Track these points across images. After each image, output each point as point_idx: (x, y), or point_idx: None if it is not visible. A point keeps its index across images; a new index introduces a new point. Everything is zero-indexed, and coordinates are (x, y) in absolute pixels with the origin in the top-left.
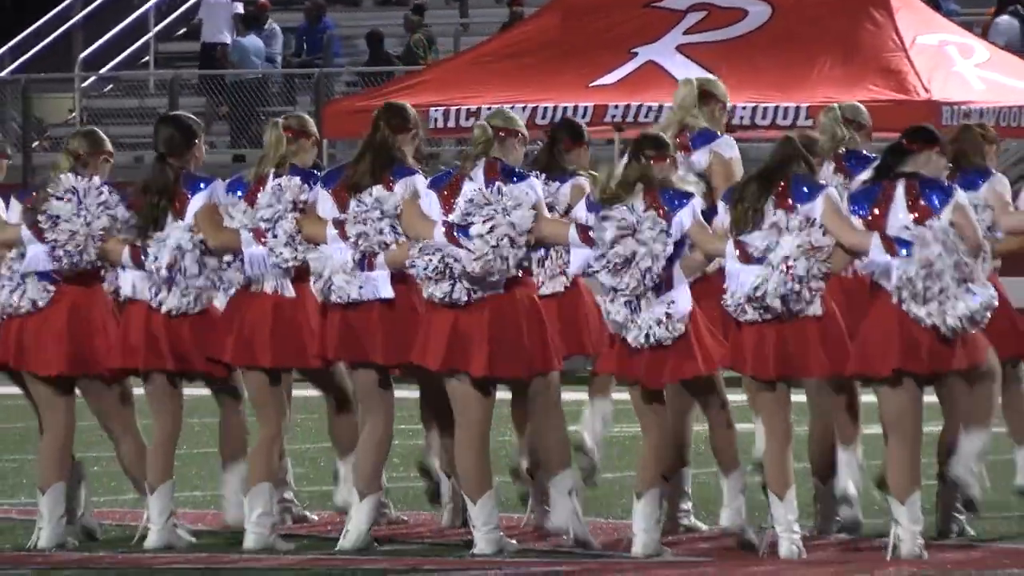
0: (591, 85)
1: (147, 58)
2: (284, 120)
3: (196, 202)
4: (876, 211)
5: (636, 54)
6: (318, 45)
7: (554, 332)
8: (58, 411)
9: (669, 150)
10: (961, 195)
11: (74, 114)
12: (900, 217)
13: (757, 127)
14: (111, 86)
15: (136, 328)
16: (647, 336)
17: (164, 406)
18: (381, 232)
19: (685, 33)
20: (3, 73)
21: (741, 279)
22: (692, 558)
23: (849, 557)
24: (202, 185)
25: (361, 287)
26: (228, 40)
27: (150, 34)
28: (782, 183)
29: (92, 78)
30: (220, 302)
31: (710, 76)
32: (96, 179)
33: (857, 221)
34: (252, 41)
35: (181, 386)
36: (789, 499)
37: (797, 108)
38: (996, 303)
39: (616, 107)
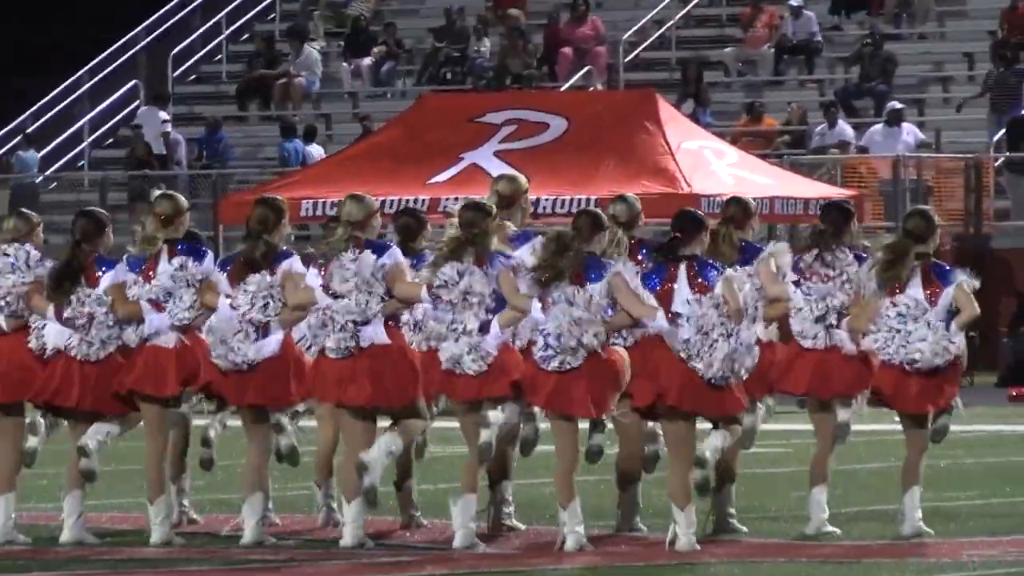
0: (428, 183)
1: (83, 162)
2: (159, 207)
3: (106, 280)
4: (665, 287)
5: (462, 159)
6: (215, 152)
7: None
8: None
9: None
10: (728, 272)
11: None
12: (683, 292)
13: (557, 214)
14: (54, 184)
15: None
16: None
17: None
18: (266, 307)
19: (501, 142)
20: None
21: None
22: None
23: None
24: (105, 268)
25: (256, 350)
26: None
27: (85, 143)
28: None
29: (40, 178)
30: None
31: (517, 175)
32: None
33: (648, 295)
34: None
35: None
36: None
37: (588, 199)
38: (753, 353)
39: (447, 199)
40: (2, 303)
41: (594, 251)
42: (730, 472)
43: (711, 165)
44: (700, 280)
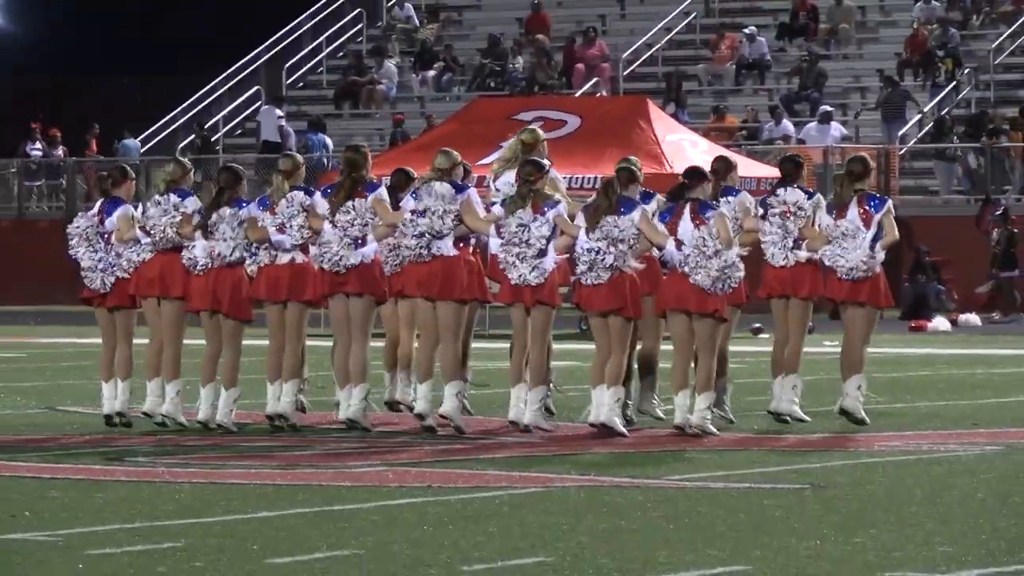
0: (477, 164)
1: (219, 147)
2: (282, 164)
3: (243, 213)
4: (673, 221)
5: (502, 146)
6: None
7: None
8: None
9: (544, 171)
10: (721, 209)
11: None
12: (686, 226)
13: (571, 189)
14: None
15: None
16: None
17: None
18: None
19: None
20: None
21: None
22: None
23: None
24: (245, 203)
25: (356, 256)
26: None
27: (220, 132)
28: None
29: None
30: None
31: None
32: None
33: (661, 226)
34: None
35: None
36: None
37: (596, 177)
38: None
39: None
40: (159, 236)
41: (630, 195)
42: (723, 367)
43: (687, 152)
44: (699, 215)
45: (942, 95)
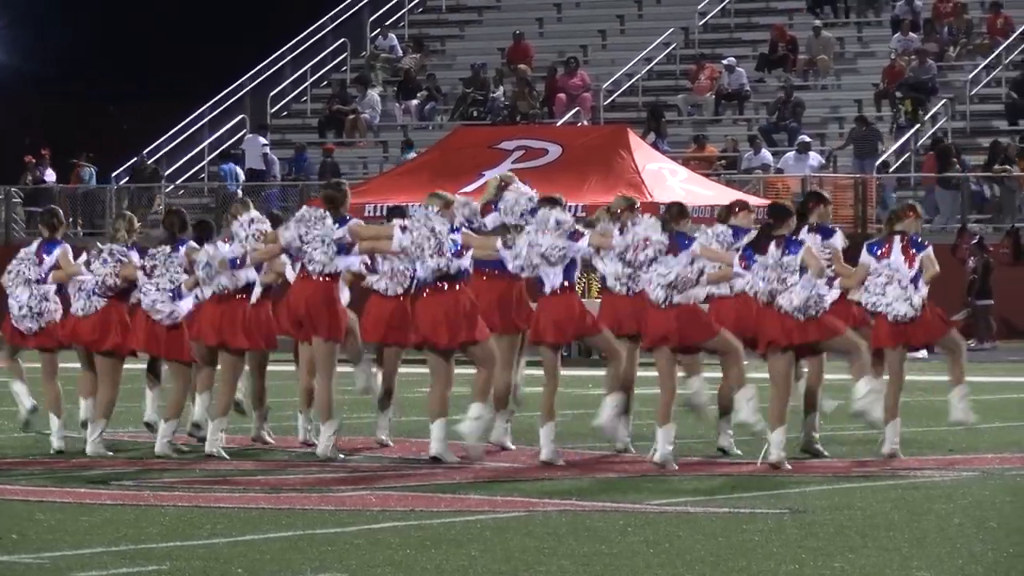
0: (461, 191)
1: (203, 175)
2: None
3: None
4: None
5: (483, 175)
6: (300, 168)
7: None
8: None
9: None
10: (807, 244)
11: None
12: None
13: None
14: (182, 191)
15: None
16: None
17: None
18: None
19: (512, 163)
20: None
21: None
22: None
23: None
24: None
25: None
26: (261, 166)
27: (205, 160)
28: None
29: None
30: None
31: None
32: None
33: (738, 259)
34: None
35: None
36: None
37: (577, 206)
38: (825, 299)
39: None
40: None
41: (683, 230)
42: (812, 401)
43: (667, 181)
44: (788, 252)
45: (907, 136)
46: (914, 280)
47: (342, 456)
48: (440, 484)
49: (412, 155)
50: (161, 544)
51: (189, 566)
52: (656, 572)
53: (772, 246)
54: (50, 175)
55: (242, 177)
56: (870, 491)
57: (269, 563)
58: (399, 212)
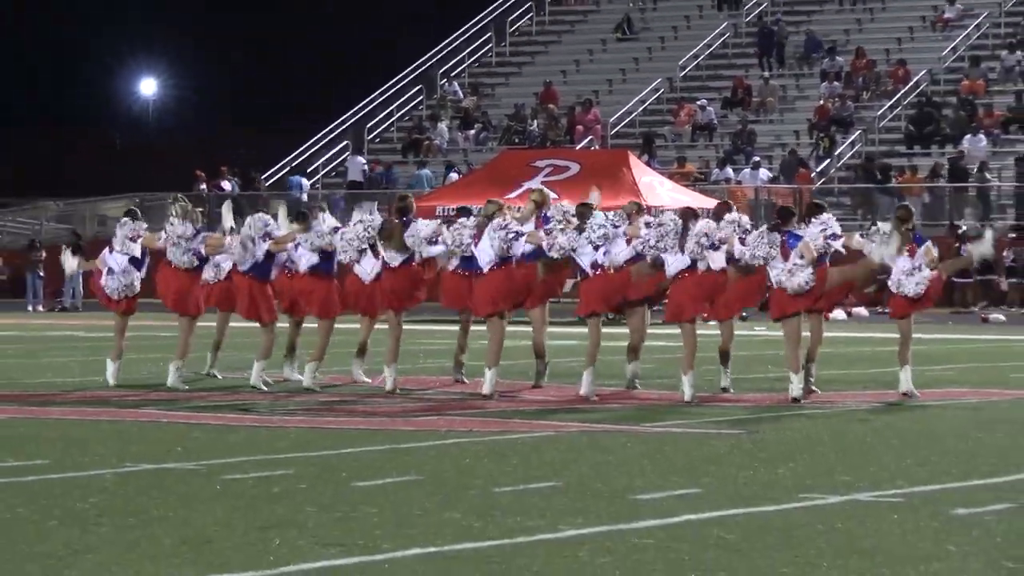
0: (506, 197)
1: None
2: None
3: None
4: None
5: (523, 185)
6: (390, 180)
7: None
8: None
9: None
10: (804, 239)
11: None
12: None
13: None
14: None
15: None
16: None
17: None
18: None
19: (544, 176)
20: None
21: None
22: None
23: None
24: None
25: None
26: (360, 179)
27: (319, 175)
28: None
29: (304, 195)
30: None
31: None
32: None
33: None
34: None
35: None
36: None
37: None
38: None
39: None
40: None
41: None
42: (811, 354)
43: (657, 190)
44: (787, 244)
45: (826, 163)
46: (917, 266)
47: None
48: (491, 412)
49: (453, 174)
50: (287, 455)
51: (307, 471)
52: (648, 475)
53: (777, 238)
54: (226, 185)
55: (306, 185)
56: (805, 417)
57: (365, 468)
58: (466, 211)
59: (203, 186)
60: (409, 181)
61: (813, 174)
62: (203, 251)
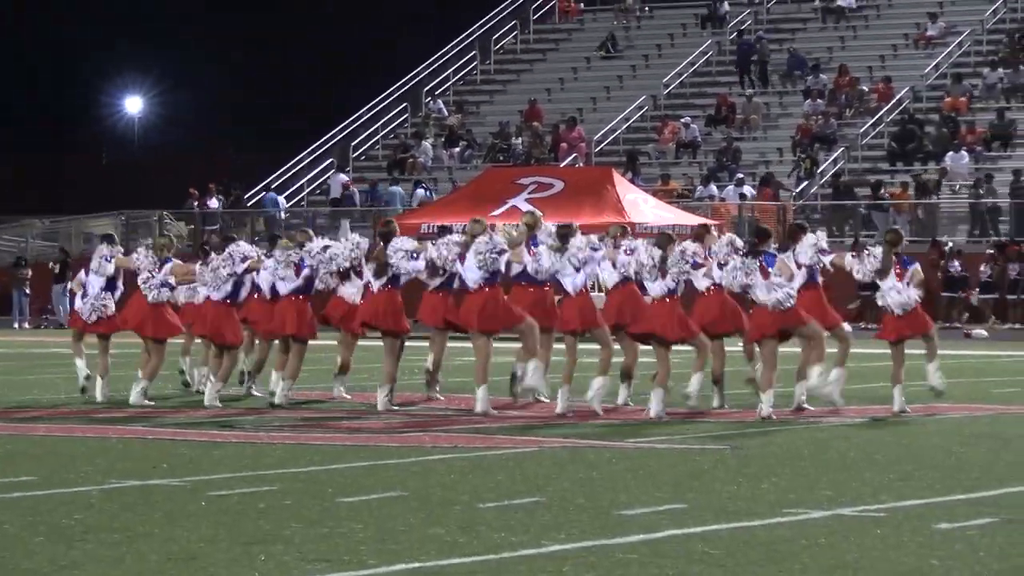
0: (490, 215)
1: (303, 204)
2: (299, 236)
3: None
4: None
5: (507, 202)
6: (375, 197)
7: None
8: None
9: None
10: (781, 257)
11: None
12: (756, 272)
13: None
14: (288, 215)
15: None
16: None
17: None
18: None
19: (528, 194)
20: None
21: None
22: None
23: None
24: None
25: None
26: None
27: (304, 192)
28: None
29: (284, 212)
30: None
31: (536, 211)
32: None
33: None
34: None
35: None
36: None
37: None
38: (790, 301)
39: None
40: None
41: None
42: (802, 371)
43: (641, 207)
44: (765, 264)
45: (804, 184)
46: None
47: (395, 407)
48: (476, 428)
49: (420, 191)
50: (273, 471)
51: (293, 487)
52: (632, 491)
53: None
54: (213, 203)
55: (283, 204)
56: (788, 433)
57: (350, 484)
58: (447, 229)
59: (196, 203)
60: (385, 198)
61: (791, 196)
62: (171, 281)
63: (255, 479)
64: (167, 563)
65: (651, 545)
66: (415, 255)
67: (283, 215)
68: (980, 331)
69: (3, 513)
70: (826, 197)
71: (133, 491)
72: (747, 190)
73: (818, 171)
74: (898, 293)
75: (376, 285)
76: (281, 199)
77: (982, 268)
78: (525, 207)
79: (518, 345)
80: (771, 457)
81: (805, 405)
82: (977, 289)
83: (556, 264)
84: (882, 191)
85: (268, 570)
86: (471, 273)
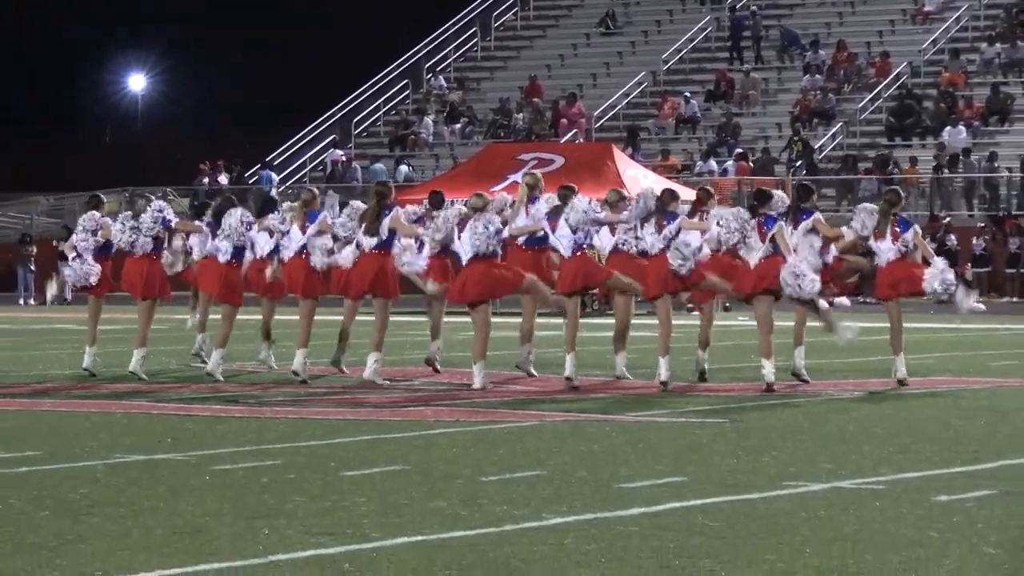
0: (491, 190)
1: (306, 180)
2: (304, 195)
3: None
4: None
5: (508, 177)
6: (376, 173)
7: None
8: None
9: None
10: (779, 222)
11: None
12: (754, 234)
13: None
14: (288, 192)
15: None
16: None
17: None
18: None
19: (529, 169)
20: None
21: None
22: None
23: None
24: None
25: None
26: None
27: (306, 169)
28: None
29: (281, 188)
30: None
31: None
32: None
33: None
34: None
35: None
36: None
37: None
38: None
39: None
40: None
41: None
42: (799, 338)
43: (641, 183)
44: (763, 227)
45: (794, 169)
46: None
47: (387, 382)
48: (477, 402)
49: (403, 167)
50: (276, 445)
51: (295, 461)
52: (633, 465)
53: (754, 220)
54: (223, 179)
55: (275, 180)
56: (787, 406)
57: (353, 459)
58: (439, 198)
59: (205, 179)
60: (367, 176)
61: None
62: (173, 225)
63: (259, 453)
64: (172, 536)
65: (652, 517)
66: (420, 248)
67: (275, 191)
68: (978, 304)
69: (9, 488)
70: (828, 172)
71: (138, 465)
72: (729, 166)
73: (815, 149)
74: (890, 252)
75: (368, 246)
76: (275, 175)
77: (975, 241)
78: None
79: (519, 320)
80: (771, 430)
81: (804, 373)
82: (970, 264)
83: (531, 222)
84: (891, 167)
85: (272, 543)
86: (465, 246)
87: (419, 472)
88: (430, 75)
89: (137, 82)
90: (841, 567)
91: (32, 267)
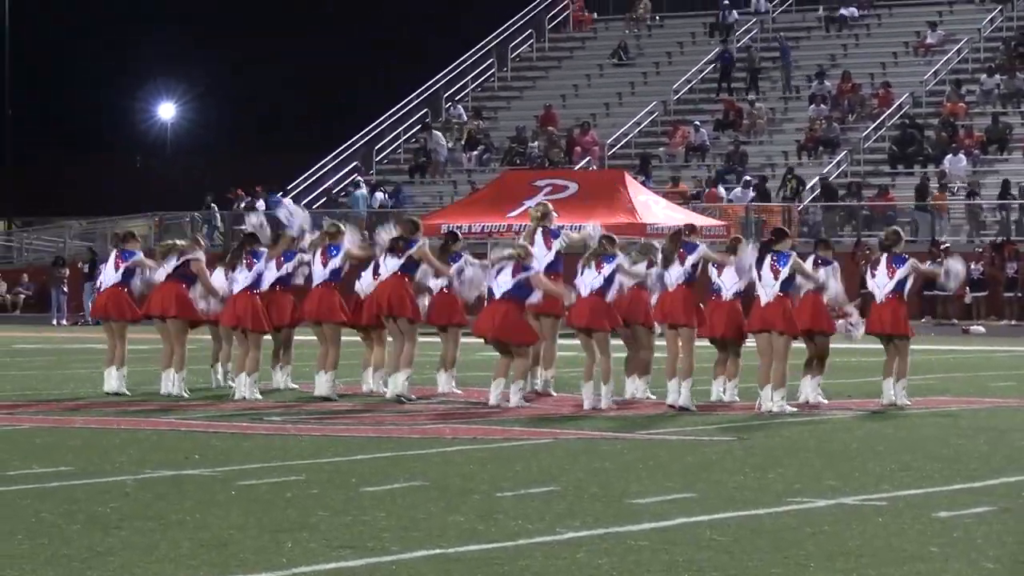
0: (508, 216)
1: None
2: (327, 227)
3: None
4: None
5: (524, 204)
6: (399, 199)
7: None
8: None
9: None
10: (794, 257)
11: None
12: (767, 270)
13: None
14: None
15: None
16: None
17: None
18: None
19: (543, 195)
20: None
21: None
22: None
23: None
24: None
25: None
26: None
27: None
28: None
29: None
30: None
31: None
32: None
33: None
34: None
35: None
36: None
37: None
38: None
39: (518, 225)
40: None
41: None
42: (810, 364)
43: (652, 209)
44: (776, 264)
45: (788, 207)
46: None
47: (413, 398)
48: (494, 420)
49: (379, 194)
50: (299, 461)
51: (318, 477)
52: (644, 481)
53: (768, 257)
54: (260, 204)
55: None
56: (793, 425)
57: (373, 474)
58: (454, 237)
59: (242, 204)
60: (348, 202)
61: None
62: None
63: (283, 469)
64: (199, 549)
65: (661, 532)
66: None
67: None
68: (978, 327)
69: (43, 502)
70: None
71: (166, 481)
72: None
73: (804, 189)
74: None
75: (388, 269)
76: (287, 200)
77: (973, 266)
78: None
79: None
80: (777, 448)
81: (817, 399)
82: (968, 288)
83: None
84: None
85: (295, 556)
86: (499, 288)
87: (437, 488)
88: (449, 104)
89: (167, 111)
90: None
91: (65, 289)
